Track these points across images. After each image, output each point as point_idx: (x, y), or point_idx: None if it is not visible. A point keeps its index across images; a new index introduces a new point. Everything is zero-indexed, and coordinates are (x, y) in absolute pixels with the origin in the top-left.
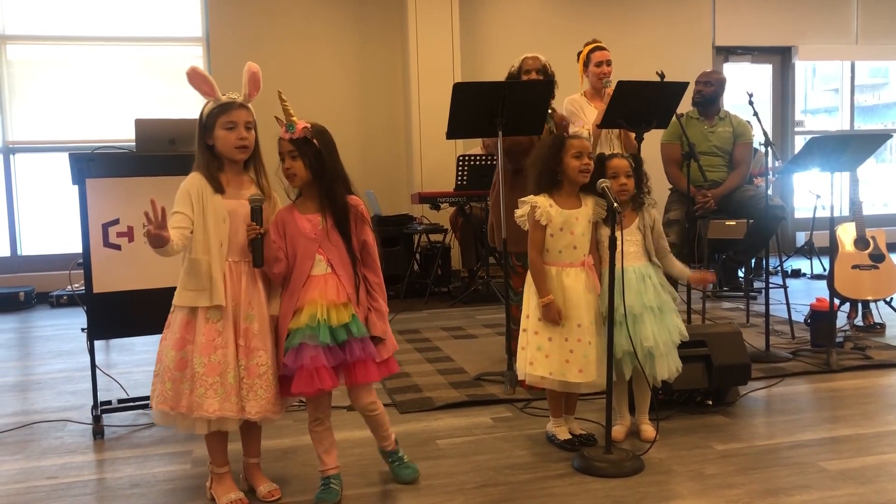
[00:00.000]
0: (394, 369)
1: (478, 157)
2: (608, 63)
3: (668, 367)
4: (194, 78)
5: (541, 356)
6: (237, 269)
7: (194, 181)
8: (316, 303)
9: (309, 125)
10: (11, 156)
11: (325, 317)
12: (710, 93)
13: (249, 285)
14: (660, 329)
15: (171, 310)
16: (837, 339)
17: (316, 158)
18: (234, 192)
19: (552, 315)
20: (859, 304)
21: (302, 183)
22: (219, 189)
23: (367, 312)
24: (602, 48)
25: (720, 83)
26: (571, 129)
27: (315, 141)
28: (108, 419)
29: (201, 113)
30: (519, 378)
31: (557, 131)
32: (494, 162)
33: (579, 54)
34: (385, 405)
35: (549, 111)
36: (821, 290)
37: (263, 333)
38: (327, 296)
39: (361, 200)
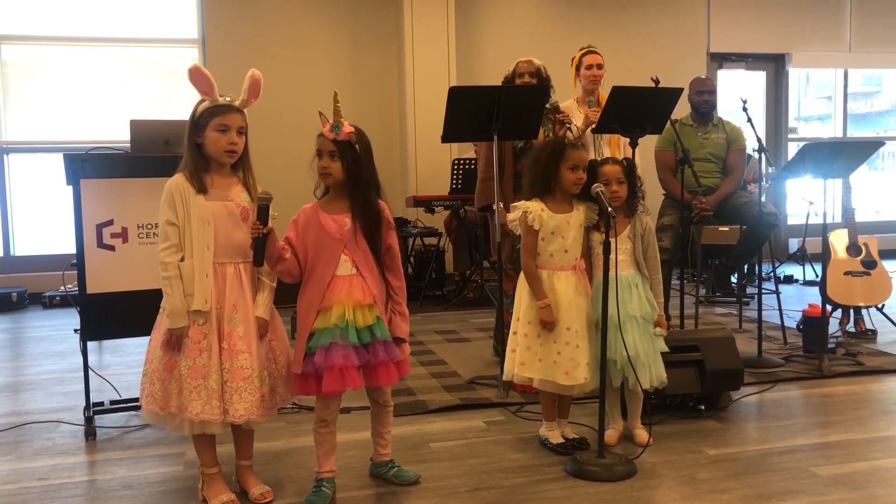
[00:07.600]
0: (407, 370)
1: (473, 161)
2: (599, 66)
3: (650, 376)
4: (196, 76)
5: (528, 356)
6: (222, 271)
7: (177, 183)
8: (343, 303)
9: (353, 129)
10: (5, 156)
11: (352, 317)
12: (714, 101)
13: (235, 288)
14: (642, 338)
15: (160, 311)
16: (829, 345)
17: (354, 163)
18: (219, 192)
19: (548, 317)
20: (851, 311)
21: (334, 182)
22: (201, 189)
23: (392, 315)
24: (593, 52)
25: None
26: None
27: (357, 146)
28: (100, 420)
29: (194, 110)
30: (506, 380)
31: (557, 129)
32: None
33: (573, 60)
34: None
35: (553, 105)
36: (813, 296)
37: (248, 336)
38: (353, 297)
39: (387, 206)
